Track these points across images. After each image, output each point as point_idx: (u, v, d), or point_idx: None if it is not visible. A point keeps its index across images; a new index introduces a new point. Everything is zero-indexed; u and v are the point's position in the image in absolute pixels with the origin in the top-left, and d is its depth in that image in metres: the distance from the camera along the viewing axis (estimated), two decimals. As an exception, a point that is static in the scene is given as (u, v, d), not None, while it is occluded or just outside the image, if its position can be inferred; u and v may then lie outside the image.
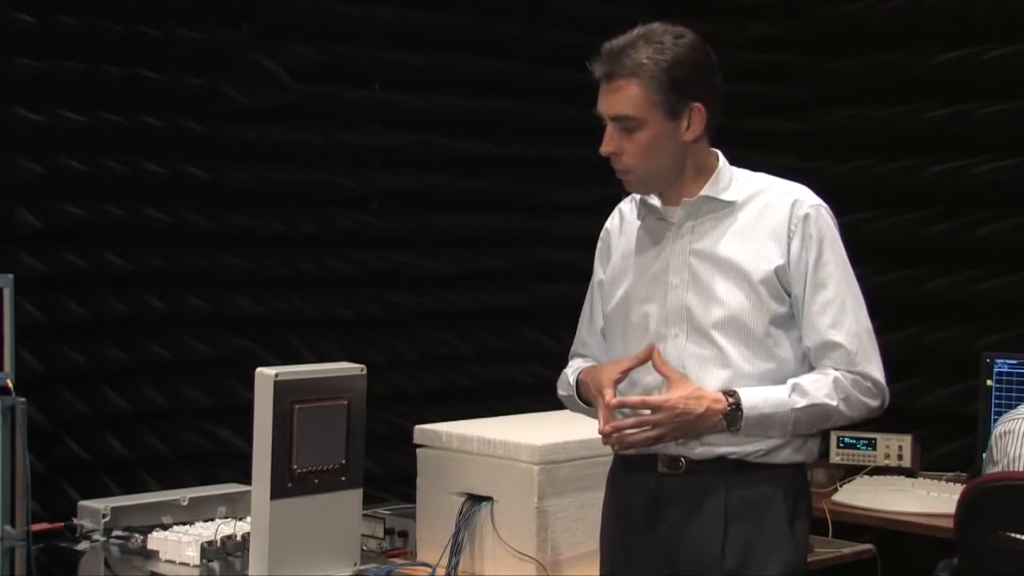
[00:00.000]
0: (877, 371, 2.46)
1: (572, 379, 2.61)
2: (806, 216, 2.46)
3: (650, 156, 2.44)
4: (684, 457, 2.45)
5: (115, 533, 2.74)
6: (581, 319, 2.72)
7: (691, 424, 2.39)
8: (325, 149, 3.78)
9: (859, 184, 4.45)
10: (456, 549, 2.95)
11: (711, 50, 2.47)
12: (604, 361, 2.62)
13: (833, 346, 2.44)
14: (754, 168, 2.58)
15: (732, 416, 2.39)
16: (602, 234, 2.67)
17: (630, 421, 2.41)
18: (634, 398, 2.43)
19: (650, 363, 2.48)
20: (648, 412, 2.40)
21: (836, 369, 2.43)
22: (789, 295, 2.45)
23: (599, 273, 2.67)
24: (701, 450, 2.44)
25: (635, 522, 2.52)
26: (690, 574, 2.45)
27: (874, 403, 2.47)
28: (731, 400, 2.39)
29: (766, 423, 2.41)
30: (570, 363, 2.70)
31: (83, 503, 2.82)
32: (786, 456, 2.46)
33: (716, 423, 2.39)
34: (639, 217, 2.57)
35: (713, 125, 2.48)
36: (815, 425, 2.46)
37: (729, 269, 2.45)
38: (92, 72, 3.31)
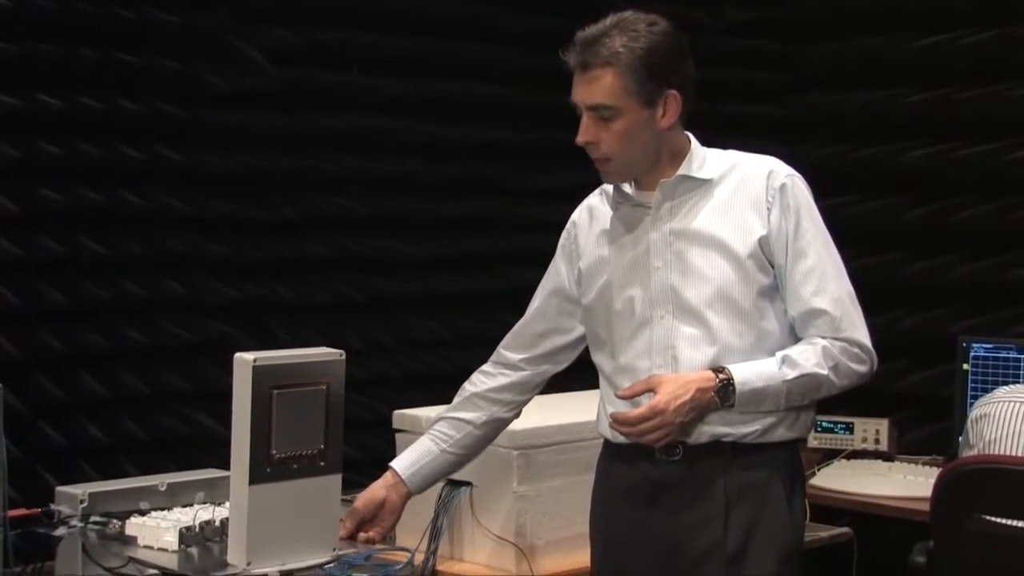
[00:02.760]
0: (863, 336, 2.48)
1: (434, 424, 2.74)
2: (782, 186, 2.48)
3: (627, 144, 2.45)
4: (681, 443, 2.46)
5: (93, 519, 2.72)
6: (524, 318, 2.74)
7: (690, 412, 2.40)
8: (303, 133, 3.77)
9: (838, 169, 4.46)
10: (435, 534, 2.95)
11: (684, 37, 2.48)
12: (512, 377, 2.71)
13: (818, 313, 2.46)
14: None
15: (724, 392, 2.41)
16: (567, 227, 2.68)
17: (627, 431, 2.42)
18: (631, 413, 2.43)
19: (640, 351, 2.50)
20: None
21: (823, 337, 2.46)
22: (772, 266, 2.47)
23: (560, 269, 2.67)
24: (698, 433, 2.45)
25: (633, 510, 2.53)
26: (692, 560, 2.47)
27: (863, 368, 2.49)
28: (722, 376, 2.41)
29: (759, 397, 2.43)
30: (479, 376, 2.75)
31: (60, 489, 2.81)
32: (781, 434, 2.49)
33: (711, 401, 2.41)
34: (612, 206, 2.58)
35: (687, 111, 2.49)
36: (807, 396, 2.48)
37: (713, 245, 2.46)
38: (68, 55, 3.29)
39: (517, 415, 2.77)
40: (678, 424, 2.40)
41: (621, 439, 2.48)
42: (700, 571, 2.46)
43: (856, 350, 2.47)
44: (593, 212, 2.63)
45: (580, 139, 2.47)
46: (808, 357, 2.44)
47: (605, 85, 2.42)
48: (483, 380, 2.73)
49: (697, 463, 2.46)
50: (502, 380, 2.72)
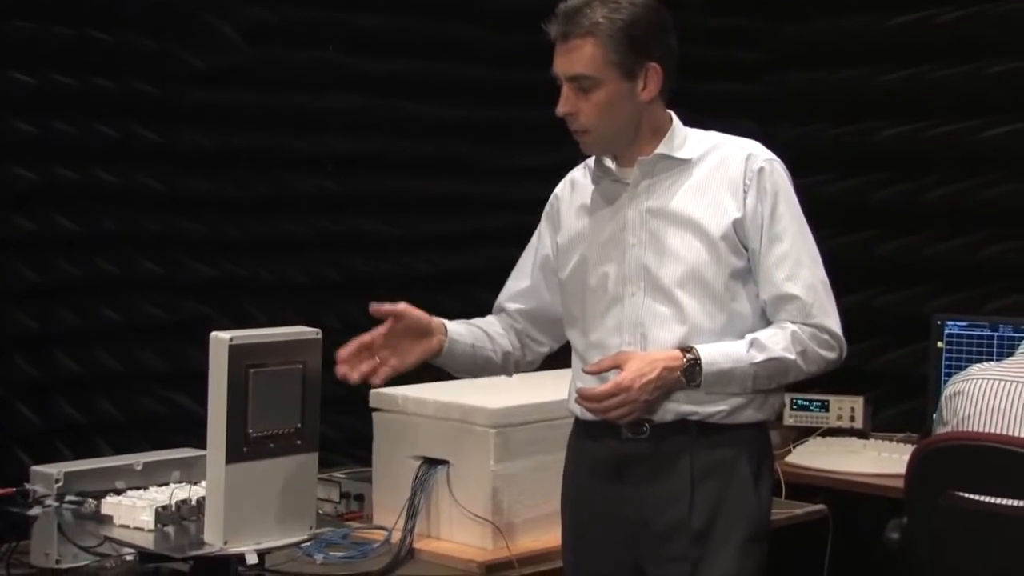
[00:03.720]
0: (834, 323, 2.49)
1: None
2: (760, 170, 2.48)
3: (606, 116, 2.45)
4: (648, 421, 2.46)
5: (68, 498, 2.72)
6: (511, 276, 2.75)
7: (655, 390, 2.41)
8: (279, 112, 3.75)
9: (813, 147, 4.47)
10: (412, 513, 2.96)
11: (666, 11, 2.48)
12: (521, 313, 2.68)
13: (789, 299, 2.46)
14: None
15: (691, 372, 2.41)
16: (551, 199, 2.69)
17: (594, 407, 2.43)
18: (597, 390, 2.43)
19: (611, 328, 2.50)
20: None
21: (793, 322, 2.46)
22: (746, 249, 2.47)
23: (544, 240, 2.69)
24: (664, 411, 2.45)
25: (600, 487, 2.54)
26: (658, 537, 2.48)
27: (831, 355, 2.49)
28: (689, 356, 2.41)
29: (726, 379, 2.43)
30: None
31: (35, 468, 2.79)
32: (749, 416, 2.49)
33: (677, 380, 2.41)
34: (593, 181, 2.58)
35: (668, 86, 2.49)
36: (774, 379, 2.49)
37: (687, 225, 2.47)
38: (41, 32, 3.26)
39: (520, 367, 2.75)
40: (643, 402, 2.40)
41: (589, 416, 2.49)
42: (666, 548, 2.47)
43: (826, 336, 2.47)
44: (575, 186, 2.64)
45: (560, 110, 2.47)
46: (777, 341, 2.45)
47: (585, 55, 2.42)
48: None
49: (663, 441, 2.47)
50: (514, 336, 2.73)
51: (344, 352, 2.49)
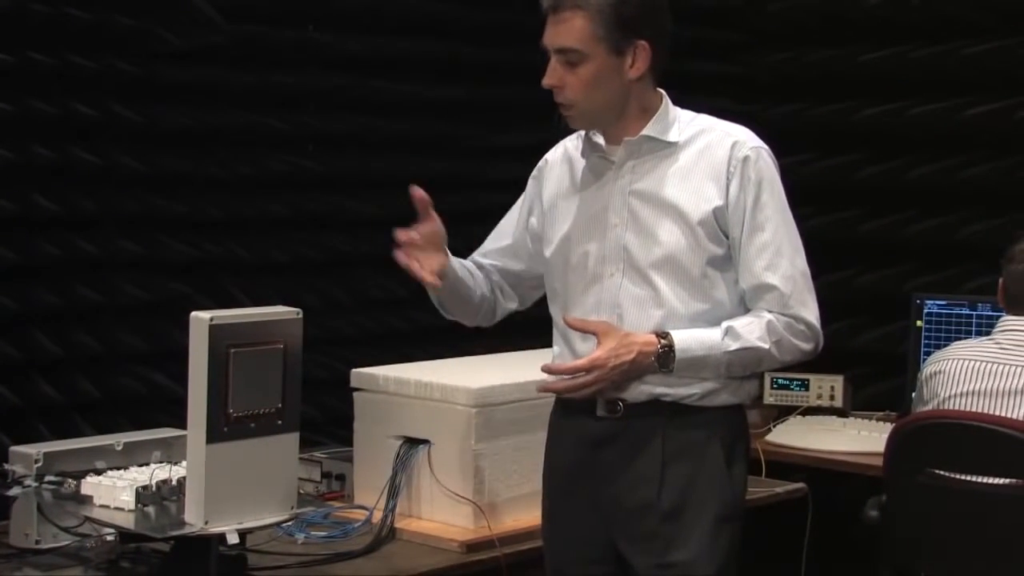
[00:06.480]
0: (811, 314, 2.48)
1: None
2: (745, 158, 2.46)
3: (592, 91, 2.44)
4: (622, 400, 2.47)
5: (47, 478, 2.70)
6: (491, 235, 2.76)
7: (626, 372, 2.41)
8: (259, 91, 3.73)
9: (793, 127, 4.47)
10: (393, 492, 2.96)
11: None
12: (497, 268, 2.69)
13: (768, 288, 2.46)
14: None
15: (664, 358, 2.41)
16: (540, 163, 2.70)
17: (563, 385, 2.44)
18: (565, 365, 2.44)
19: (589, 307, 2.50)
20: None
21: (770, 312, 2.46)
22: (727, 237, 2.47)
23: (528, 202, 2.70)
24: (637, 391, 2.46)
25: (574, 466, 2.55)
26: (629, 515, 2.49)
27: (807, 346, 2.49)
28: (664, 342, 2.41)
29: (699, 365, 2.43)
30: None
31: (14, 448, 2.78)
32: (723, 399, 2.49)
33: (650, 365, 2.42)
34: (582, 155, 2.58)
35: (659, 65, 2.48)
36: (748, 368, 2.49)
37: (668, 210, 2.46)
38: (18, 10, 3.23)
39: (487, 318, 2.75)
40: (610, 382, 2.41)
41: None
42: (637, 526, 2.48)
43: (802, 327, 2.47)
44: (566, 154, 2.64)
45: (546, 81, 2.46)
46: (752, 330, 2.44)
47: (574, 28, 2.41)
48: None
49: (636, 421, 2.47)
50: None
51: (403, 235, 2.50)
